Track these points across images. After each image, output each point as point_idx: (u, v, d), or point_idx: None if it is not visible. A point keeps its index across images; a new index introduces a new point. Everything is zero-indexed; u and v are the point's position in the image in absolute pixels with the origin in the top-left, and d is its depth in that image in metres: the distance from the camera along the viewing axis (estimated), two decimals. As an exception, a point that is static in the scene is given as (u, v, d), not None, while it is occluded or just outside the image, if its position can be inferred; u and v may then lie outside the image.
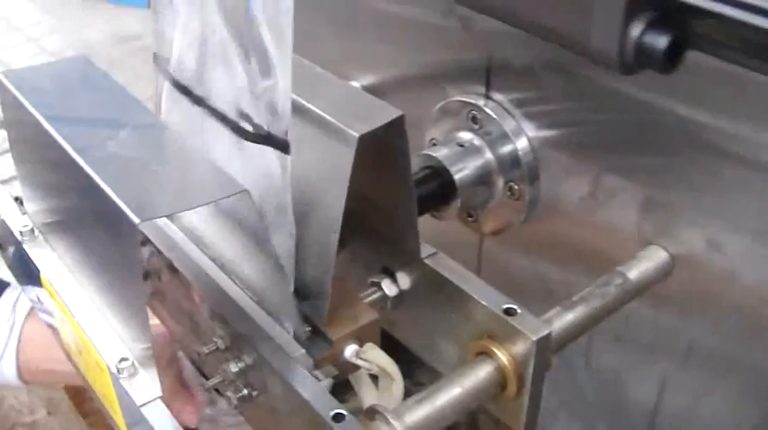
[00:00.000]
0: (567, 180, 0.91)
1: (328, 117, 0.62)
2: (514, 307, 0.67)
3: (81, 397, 1.38)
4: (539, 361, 0.67)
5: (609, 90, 0.82)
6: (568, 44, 0.55)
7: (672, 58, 0.49)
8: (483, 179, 0.93)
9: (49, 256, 0.78)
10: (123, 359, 0.64)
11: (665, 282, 0.85)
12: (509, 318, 0.67)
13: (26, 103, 0.68)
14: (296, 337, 0.68)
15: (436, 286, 0.72)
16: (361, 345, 0.71)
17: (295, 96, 0.63)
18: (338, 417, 0.59)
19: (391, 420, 0.62)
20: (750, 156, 0.74)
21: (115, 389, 0.66)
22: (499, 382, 0.69)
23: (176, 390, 1.04)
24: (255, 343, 0.66)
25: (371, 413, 0.63)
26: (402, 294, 0.75)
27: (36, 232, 0.81)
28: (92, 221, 0.64)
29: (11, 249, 0.89)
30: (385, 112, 0.62)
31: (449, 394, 0.67)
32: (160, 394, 0.63)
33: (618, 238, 0.88)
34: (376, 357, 0.70)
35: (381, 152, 0.65)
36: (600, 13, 0.45)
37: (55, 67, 0.78)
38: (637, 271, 0.82)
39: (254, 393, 0.69)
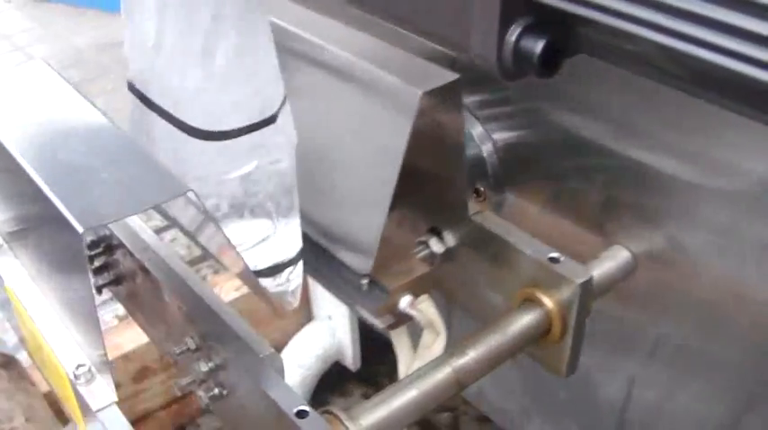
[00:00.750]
0: (530, 182, 0.92)
1: (391, 76, 0.66)
2: (558, 255, 0.72)
3: (60, 404, 1.39)
4: (582, 304, 0.72)
5: (570, 93, 0.83)
6: (454, 49, 0.58)
7: (549, 63, 0.50)
8: (448, 182, 0.94)
9: (13, 265, 0.78)
10: (80, 365, 0.65)
11: (628, 281, 0.85)
12: (554, 265, 0.72)
13: None
14: (355, 287, 0.75)
15: (482, 241, 0.77)
16: (415, 297, 0.76)
17: (354, 57, 0.68)
18: (302, 414, 0.60)
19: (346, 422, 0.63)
20: (709, 155, 0.75)
21: (74, 394, 0.66)
22: (544, 326, 0.74)
23: None
24: (225, 342, 0.67)
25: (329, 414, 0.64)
26: (448, 252, 0.79)
27: (1, 241, 0.81)
28: (44, 230, 0.64)
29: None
30: (443, 74, 0.66)
31: (500, 338, 0.72)
32: (116, 399, 0.63)
33: (581, 239, 0.88)
34: (428, 310, 0.76)
35: (437, 113, 0.67)
36: (478, 20, 0.46)
37: (14, 74, 0.78)
38: (599, 270, 0.82)
39: (225, 392, 0.70)
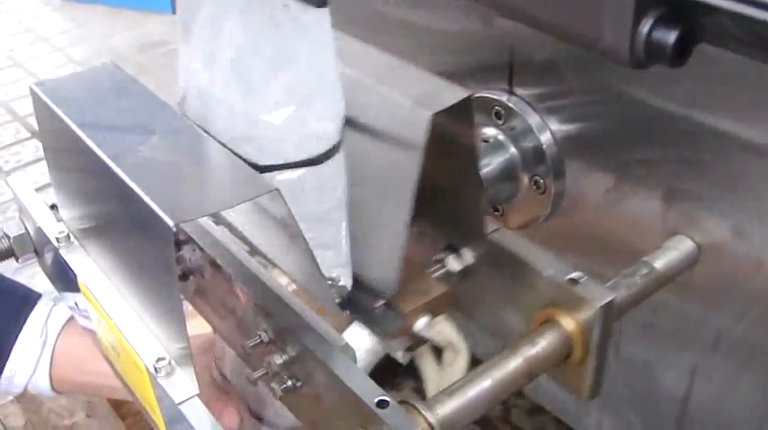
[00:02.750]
0: (591, 173, 0.92)
1: (399, 97, 0.66)
2: (578, 276, 0.70)
3: (119, 399, 1.41)
4: (604, 326, 0.70)
5: (631, 83, 0.83)
6: (581, 42, 0.57)
7: (680, 53, 0.51)
8: (508, 174, 0.95)
9: (85, 261, 0.79)
10: (160, 358, 0.66)
11: (691, 272, 0.85)
12: (574, 287, 0.70)
13: (59, 113, 0.70)
14: (369, 310, 0.73)
15: (501, 260, 0.75)
16: (432, 318, 0.75)
17: (367, 79, 0.68)
18: (382, 404, 0.60)
19: (423, 411, 0.64)
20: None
21: (153, 388, 0.67)
22: (565, 349, 0.72)
23: (212, 394, 1.06)
24: (299, 334, 0.68)
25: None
26: (466, 270, 0.78)
27: (71, 238, 0.82)
28: (126, 225, 0.66)
29: (48, 256, 0.91)
30: (454, 93, 0.66)
31: (516, 361, 0.70)
32: (197, 392, 0.64)
33: (643, 229, 0.88)
34: (445, 330, 0.75)
35: (450, 131, 0.67)
36: (610, 11, 0.46)
37: (85, 75, 0.79)
38: (662, 260, 0.82)
39: (299, 384, 0.71)
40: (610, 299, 0.69)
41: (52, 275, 0.93)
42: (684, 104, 0.79)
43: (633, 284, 0.79)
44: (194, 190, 0.59)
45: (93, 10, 3.71)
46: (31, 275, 1.96)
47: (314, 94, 0.61)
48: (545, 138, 0.93)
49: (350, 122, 0.69)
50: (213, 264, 0.78)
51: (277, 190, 0.55)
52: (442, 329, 0.75)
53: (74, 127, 0.68)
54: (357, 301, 0.75)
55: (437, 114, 0.63)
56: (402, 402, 0.65)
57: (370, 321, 0.75)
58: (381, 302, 0.73)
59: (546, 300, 0.72)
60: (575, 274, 0.71)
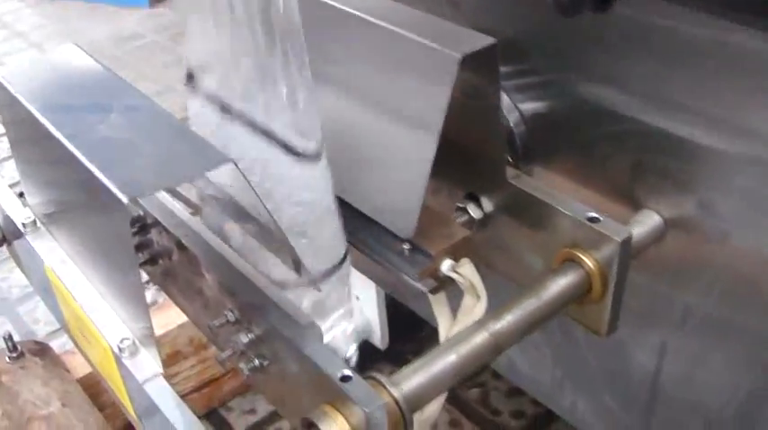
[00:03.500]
0: (559, 150, 0.92)
1: (428, 42, 0.67)
2: (597, 215, 0.74)
3: (95, 389, 1.40)
4: (622, 262, 0.73)
5: (595, 60, 0.83)
6: None
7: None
8: (477, 153, 0.95)
9: (52, 246, 0.79)
10: (125, 339, 0.66)
11: (659, 247, 0.86)
12: (594, 225, 0.73)
13: (19, 98, 0.70)
14: (397, 252, 0.77)
15: (521, 204, 0.78)
16: (456, 261, 0.77)
17: (392, 27, 0.70)
18: (346, 378, 0.61)
19: (388, 385, 0.64)
20: (738, 119, 0.75)
21: (119, 368, 0.68)
22: (585, 286, 0.75)
23: None
24: (264, 313, 0.68)
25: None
26: (486, 217, 0.81)
27: (38, 224, 0.82)
28: (87, 207, 0.66)
29: (17, 245, 0.91)
30: (480, 39, 0.68)
31: (539, 299, 0.72)
32: (161, 371, 0.64)
33: (612, 205, 0.88)
34: (469, 273, 0.77)
35: (475, 78, 0.69)
36: None
37: (47, 58, 0.79)
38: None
39: (265, 363, 0.71)
40: (628, 235, 0.73)
41: (24, 266, 0.93)
42: (648, 81, 0.79)
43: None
44: (151, 166, 0.59)
45: (69, 6, 3.69)
46: (10, 270, 1.96)
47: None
48: (513, 118, 0.93)
49: (372, 68, 0.70)
50: (179, 245, 0.78)
51: (233, 162, 0.55)
52: (466, 272, 0.76)
53: (33, 110, 0.68)
54: (386, 243, 0.78)
55: (465, 57, 0.65)
56: (367, 377, 0.65)
57: (399, 263, 0.78)
58: (408, 246, 0.76)
59: (566, 240, 0.75)
60: (594, 214, 0.74)
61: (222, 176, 0.60)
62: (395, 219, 0.76)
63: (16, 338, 1.38)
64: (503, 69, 0.92)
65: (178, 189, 0.75)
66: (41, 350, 1.43)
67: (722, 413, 0.94)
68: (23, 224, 0.81)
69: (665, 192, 0.83)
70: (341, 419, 0.61)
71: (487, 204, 0.81)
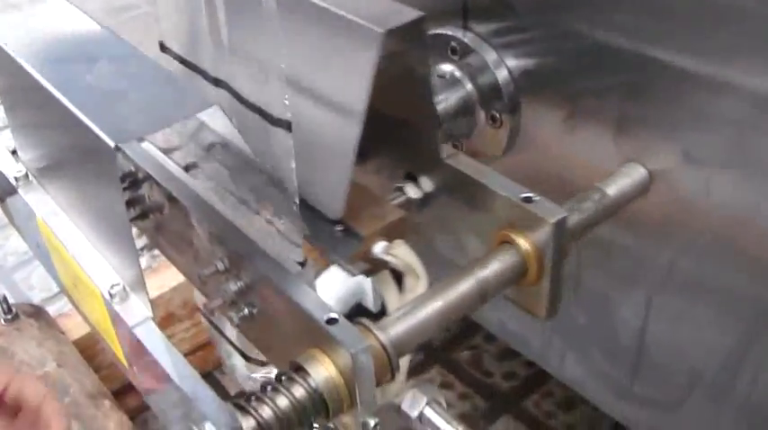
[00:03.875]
0: (546, 106, 0.93)
1: (350, 16, 0.65)
2: (532, 195, 0.72)
3: (91, 350, 1.42)
4: (557, 243, 0.71)
5: (582, 16, 0.84)
6: None
7: None
8: (465, 109, 0.95)
9: (44, 199, 0.80)
10: (115, 285, 0.67)
11: (644, 202, 0.87)
12: (528, 205, 0.71)
13: (8, 50, 0.71)
14: (329, 234, 0.75)
15: (458, 184, 0.76)
16: (389, 242, 0.75)
17: (316, 1, 0.67)
18: (332, 321, 0.62)
19: (375, 331, 0.65)
20: (720, 71, 0.76)
21: (109, 314, 0.69)
22: (521, 268, 0.73)
23: None
24: (253, 260, 0.69)
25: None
26: (426, 197, 0.80)
27: (30, 177, 0.83)
28: (76, 156, 0.66)
29: (11, 202, 0.91)
30: (406, 13, 0.66)
31: (472, 280, 0.71)
32: (151, 315, 0.65)
33: (598, 159, 0.89)
34: (403, 253, 0.75)
35: (402, 54, 0.67)
36: None
37: (33, 12, 0.79)
38: (615, 186, 0.84)
39: (254, 311, 0.72)
40: (563, 216, 0.71)
41: (17, 223, 0.94)
42: (631, 36, 0.80)
43: (586, 209, 0.80)
44: (138, 112, 0.59)
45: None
46: (6, 237, 1.98)
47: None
48: (501, 73, 0.94)
49: (300, 47, 0.69)
50: (170, 198, 0.79)
51: (218, 106, 0.56)
52: (400, 253, 0.75)
53: (22, 62, 0.68)
54: (317, 227, 0.76)
55: (389, 32, 0.63)
56: (355, 322, 0.66)
57: (331, 245, 0.76)
58: (341, 227, 0.74)
59: (502, 220, 0.74)
60: (528, 194, 0.72)
61: (207, 120, 0.61)
62: (324, 199, 0.75)
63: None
64: (492, 26, 0.94)
65: (167, 141, 0.76)
66: (36, 312, 1.44)
67: (706, 366, 0.96)
68: (16, 179, 0.82)
69: (650, 144, 0.84)
70: (327, 361, 0.62)
71: (427, 184, 0.79)
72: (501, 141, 0.96)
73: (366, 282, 1.48)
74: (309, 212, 0.76)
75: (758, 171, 0.78)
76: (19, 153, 0.86)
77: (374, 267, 0.76)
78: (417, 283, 0.76)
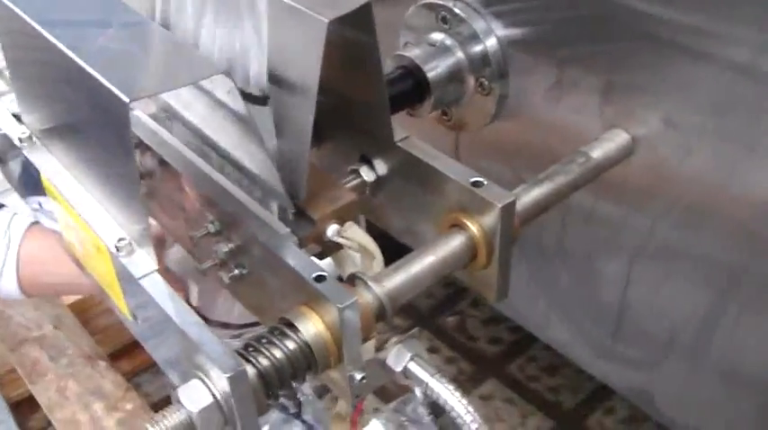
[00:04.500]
0: (533, 73, 0.96)
1: (298, 5, 0.67)
2: (481, 179, 0.73)
3: (86, 314, 1.45)
4: (505, 227, 0.72)
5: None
6: None
7: None
8: (455, 76, 0.98)
9: (48, 159, 0.83)
10: (121, 239, 0.70)
11: (625, 169, 0.90)
12: (477, 190, 0.72)
13: (19, 12, 0.73)
14: (282, 218, 0.74)
15: (410, 168, 0.78)
16: (341, 225, 0.76)
17: None
18: (320, 278, 0.64)
19: (370, 284, 0.68)
20: (699, 41, 0.79)
21: (115, 267, 0.72)
22: (470, 251, 0.74)
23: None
24: (244, 222, 0.71)
25: (352, 279, 0.70)
26: (379, 180, 0.81)
27: (34, 139, 0.86)
28: (86, 113, 0.69)
29: (12, 164, 0.94)
30: (354, 1, 0.67)
31: (423, 262, 0.73)
32: (156, 267, 0.68)
33: (583, 125, 0.93)
34: (355, 234, 0.76)
35: (351, 40, 0.69)
36: None
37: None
38: (599, 150, 0.87)
39: (245, 271, 0.75)
40: (510, 200, 0.72)
41: (18, 181, 0.96)
42: (615, 6, 0.83)
43: (570, 171, 0.84)
44: (149, 73, 0.62)
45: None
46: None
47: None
48: (489, 41, 0.97)
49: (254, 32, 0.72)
50: (162, 162, 0.81)
51: (226, 72, 0.59)
52: (352, 235, 0.76)
53: (34, 24, 0.71)
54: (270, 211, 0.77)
55: (332, 21, 0.64)
56: (352, 275, 0.69)
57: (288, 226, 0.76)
58: (293, 210, 0.75)
59: (453, 204, 0.75)
60: (478, 178, 0.73)
61: (213, 85, 0.64)
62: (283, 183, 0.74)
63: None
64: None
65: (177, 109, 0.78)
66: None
67: (683, 326, 1.00)
68: (20, 139, 0.85)
69: (633, 111, 0.88)
70: (315, 317, 0.64)
71: (381, 167, 0.81)
72: (490, 108, 0.99)
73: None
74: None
75: (734, 137, 0.81)
76: (22, 116, 0.89)
77: (327, 250, 0.77)
78: (372, 263, 0.77)
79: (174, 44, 0.66)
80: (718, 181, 0.85)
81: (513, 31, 0.96)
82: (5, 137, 0.90)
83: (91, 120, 0.68)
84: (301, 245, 0.73)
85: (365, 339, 0.67)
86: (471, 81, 0.99)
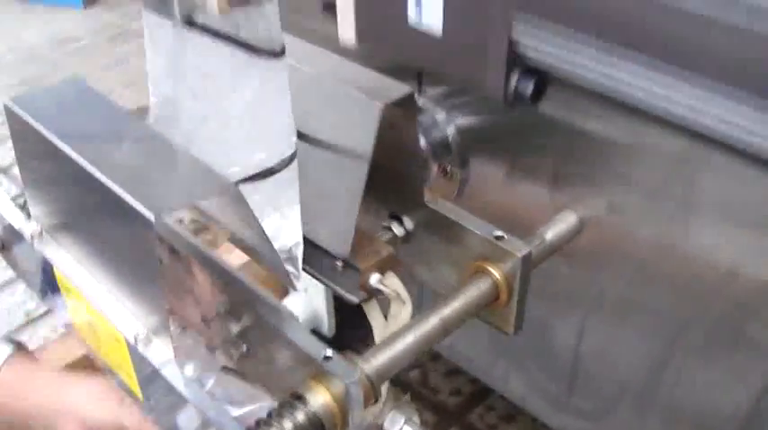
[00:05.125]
0: (490, 161, 1.07)
1: (354, 91, 0.79)
2: (502, 234, 0.86)
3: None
4: (524, 272, 0.86)
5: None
6: (477, 86, 0.73)
7: (537, 96, 0.67)
8: (420, 162, 1.09)
9: (59, 252, 0.91)
10: (139, 331, 0.79)
11: (577, 241, 1.02)
12: (499, 242, 0.86)
13: (38, 126, 0.81)
14: (331, 269, 0.89)
15: (437, 224, 0.90)
16: (382, 274, 0.89)
17: (321, 75, 0.83)
18: (328, 358, 0.74)
19: (371, 361, 0.79)
20: (636, 138, 0.92)
21: (132, 357, 0.80)
22: (494, 293, 0.87)
23: None
24: (252, 306, 0.80)
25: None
26: (408, 234, 0.94)
27: (43, 233, 0.94)
28: (106, 221, 0.78)
29: (17, 251, 1.02)
30: (399, 88, 0.81)
31: (454, 305, 0.85)
32: (173, 356, 0.77)
33: (536, 207, 1.04)
34: (394, 283, 0.88)
35: (396, 120, 0.81)
36: (492, 68, 0.61)
37: (54, 90, 0.90)
38: (552, 232, 0.99)
39: (253, 350, 0.84)
40: (528, 251, 0.85)
41: (20, 270, 1.04)
42: (561, 107, 0.95)
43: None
44: (168, 187, 0.71)
45: (3, 4, 3.72)
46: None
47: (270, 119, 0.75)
48: (451, 131, 1.08)
49: (309, 111, 0.83)
50: (171, 249, 0.90)
51: (237, 189, 0.69)
52: (390, 283, 0.87)
53: (54, 139, 0.79)
54: (320, 263, 0.90)
55: (386, 106, 0.78)
56: (343, 355, 0.79)
57: (335, 277, 0.89)
58: (341, 262, 0.88)
59: (476, 254, 0.88)
60: (499, 232, 0.86)
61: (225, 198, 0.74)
62: (332, 240, 0.88)
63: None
64: (442, 90, 1.08)
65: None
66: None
67: (633, 377, 1.10)
68: (31, 234, 0.93)
69: (581, 196, 0.99)
70: (323, 390, 0.74)
71: (409, 223, 0.93)
72: (452, 190, 1.10)
73: (322, 311, 1.62)
74: (314, 250, 0.90)
75: (669, 218, 0.93)
76: (30, 207, 0.96)
77: (369, 295, 0.89)
78: (402, 309, 0.89)
79: (188, 159, 0.75)
80: (660, 250, 0.96)
81: (472, 123, 1.07)
82: (11, 227, 0.98)
83: (111, 227, 0.77)
84: (351, 291, 0.88)
85: (366, 406, 0.77)
86: (435, 166, 1.10)
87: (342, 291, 0.90)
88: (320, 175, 0.87)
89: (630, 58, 0.70)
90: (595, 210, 0.99)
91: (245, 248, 0.89)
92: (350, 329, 1.73)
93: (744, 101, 0.72)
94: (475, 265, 0.88)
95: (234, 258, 0.99)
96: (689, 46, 0.73)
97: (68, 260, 0.89)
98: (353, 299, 0.87)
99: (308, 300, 1.69)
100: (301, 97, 0.83)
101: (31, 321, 1.98)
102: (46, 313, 1.95)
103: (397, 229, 0.93)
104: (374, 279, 0.88)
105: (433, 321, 0.84)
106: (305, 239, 0.89)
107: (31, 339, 1.87)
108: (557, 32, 0.70)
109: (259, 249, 0.82)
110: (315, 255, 0.90)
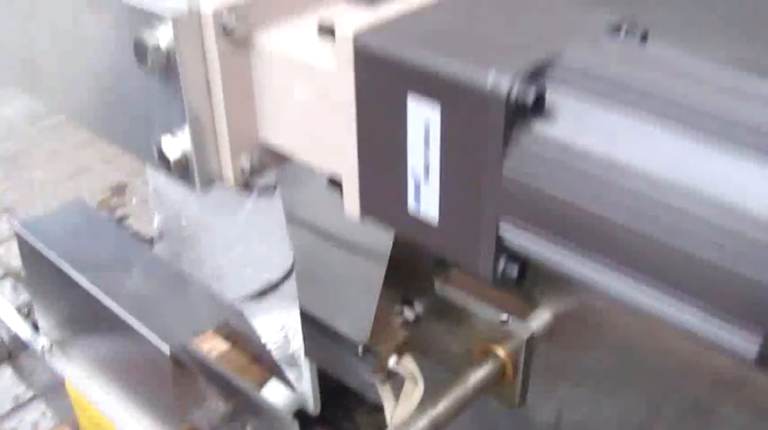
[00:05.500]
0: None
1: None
2: (507, 317, 0.93)
3: None
4: (528, 352, 0.93)
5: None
6: (466, 269, 0.80)
7: (521, 278, 0.74)
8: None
9: (68, 366, 0.96)
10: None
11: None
12: (505, 325, 0.93)
13: (47, 253, 0.86)
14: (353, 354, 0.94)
15: (446, 308, 0.96)
16: (399, 357, 0.96)
17: None
18: None
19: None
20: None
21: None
22: (501, 371, 0.94)
23: None
24: (253, 412, 0.86)
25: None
26: (419, 317, 1.00)
27: (53, 348, 0.99)
28: (117, 342, 0.83)
29: (24, 361, 1.06)
30: None
31: (465, 386, 0.91)
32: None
33: (516, 305, 1.11)
34: (409, 364, 0.95)
35: None
36: (482, 256, 0.68)
37: (59, 213, 0.96)
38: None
39: None
40: (531, 333, 0.93)
41: (27, 378, 1.09)
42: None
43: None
44: (179, 316, 0.78)
45: (-24, 82, 3.74)
46: None
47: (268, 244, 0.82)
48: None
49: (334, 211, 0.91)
50: (183, 371, 0.96)
51: (243, 315, 0.75)
52: (407, 365, 0.95)
53: (66, 267, 0.85)
54: (342, 347, 0.97)
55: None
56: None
57: (355, 361, 0.96)
58: (361, 348, 0.94)
59: (483, 336, 0.94)
60: (504, 317, 0.93)
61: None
62: (352, 328, 0.95)
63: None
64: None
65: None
66: None
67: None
68: (42, 348, 0.98)
69: (554, 296, 1.06)
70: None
71: (419, 307, 0.99)
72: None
73: (308, 391, 1.67)
74: (335, 336, 0.97)
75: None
76: (38, 320, 1.01)
77: (387, 376, 0.96)
78: (415, 389, 0.96)
79: (195, 286, 0.82)
80: (631, 339, 1.03)
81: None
82: (18, 338, 1.03)
83: (120, 349, 0.83)
84: (372, 374, 0.95)
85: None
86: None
87: (364, 374, 0.96)
88: (344, 271, 0.94)
89: (601, 261, 0.78)
90: (567, 308, 1.06)
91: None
92: (332, 409, 1.79)
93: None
94: (483, 346, 0.94)
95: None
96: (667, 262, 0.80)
97: (78, 373, 0.94)
98: (375, 381, 0.94)
99: (292, 380, 1.75)
100: (326, 200, 0.88)
101: (20, 406, 2.00)
102: (33, 397, 1.97)
103: (409, 313, 0.99)
104: (392, 361, 0.95)
105: (445, 403, 0.90)
106: (323, 327, 0.96)
107: (21, 424, 1.90)
108: (537, 232, 0.78)
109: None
110: (335, 339, 0.97)
